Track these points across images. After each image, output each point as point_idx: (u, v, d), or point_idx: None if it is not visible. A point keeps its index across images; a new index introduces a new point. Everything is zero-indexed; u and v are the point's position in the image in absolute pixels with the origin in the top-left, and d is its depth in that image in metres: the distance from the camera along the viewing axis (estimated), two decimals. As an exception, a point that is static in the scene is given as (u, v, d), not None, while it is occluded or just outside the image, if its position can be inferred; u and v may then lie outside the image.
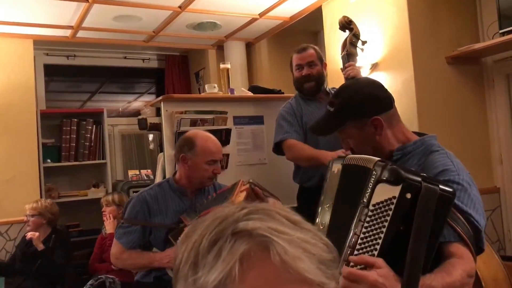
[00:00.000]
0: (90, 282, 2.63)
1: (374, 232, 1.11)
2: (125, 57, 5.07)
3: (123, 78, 5.74)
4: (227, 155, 3.03)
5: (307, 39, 4.19)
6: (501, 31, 2.70)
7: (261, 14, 3.76)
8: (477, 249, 1.28)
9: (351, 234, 1.15)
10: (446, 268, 1.15)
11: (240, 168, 3.09)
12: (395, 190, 1.10)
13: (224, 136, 3.00)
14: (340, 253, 1.13)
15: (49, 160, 4.05)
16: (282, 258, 0.50)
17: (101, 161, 4.29)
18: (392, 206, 1.10)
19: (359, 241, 1.13)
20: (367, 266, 1.05)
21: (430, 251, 1.10)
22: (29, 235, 3.20)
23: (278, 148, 2.69)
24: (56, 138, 4.20)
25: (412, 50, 2.84)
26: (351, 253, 1.12)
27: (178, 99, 3.10)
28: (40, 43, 4.17)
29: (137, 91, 6.28)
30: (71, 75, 5.32)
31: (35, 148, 3.83)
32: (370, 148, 1.42)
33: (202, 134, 2.27)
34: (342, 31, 2.73)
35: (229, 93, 3.22)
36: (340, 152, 2.32)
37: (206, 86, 3.27)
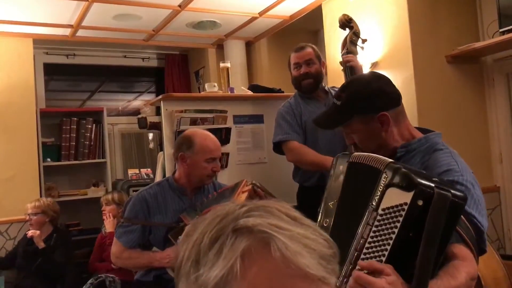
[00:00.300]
0: (90, 281, 2.63)
1: (383, 237, 1.08)
2: (125, 56, 5.07)
3: (123, 77, 5.74)
4: (227, 154, 3.03)
5: (307, 38, 4.19)
6: (501, 30, 2.69)
7: (261, 13, 3.76)
8: (479, 250, 1.27)
9: (358, 236, 1.12)
10: (451, 271, 1.13)
11: (240, 167, 3.09)
12: (406, 196, 1.06)
13: (224, 135, 3.00)
14: (344, 254, 1.11)
15: (49, 159, 4.05)
16: (283, 254, 0.51)
17: (101, 160, 4.29)
18: (403, 213, 1.06)
19: (367, 245, 1.10)
20: (375, 272, 1.03)
21: (438, 257, 1.09)
22: (30, 233, 3.20)
23: (278, 148, 2.70)
24: (56, 137, 4.20)
25: (412, 48, 2.84)
26: (358, 257, 1.10)
27: (178, 98, 3.10)
28: (39, 42, 4.17)
29: (137, 90, 6.28)
30: (71, 74, 5.32)
31: (34, 147, 3.83)
32: (375, 145, 1.40)
33: (200, 133, 2.28)
34: (342, 29, 2.73)
35: (229, 92, 3.22)
36: None
37: (206, 85, 3.27)
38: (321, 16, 3.58)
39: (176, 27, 3.94)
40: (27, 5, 3.29)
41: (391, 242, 1.07)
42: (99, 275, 2.70)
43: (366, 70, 3.04)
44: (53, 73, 5.03)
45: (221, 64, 3.33)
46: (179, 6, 3.48)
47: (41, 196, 3.68)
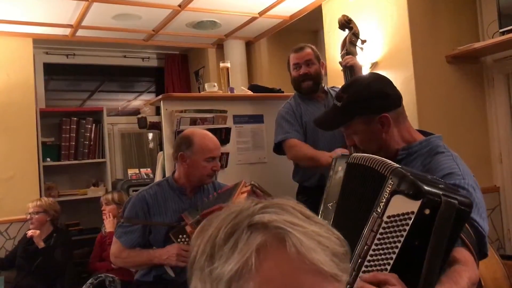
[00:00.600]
0: (90, 280, 2.63)
1: (388, 245, 1.07)
2: (124, 56, 5.07)
3: (122, 77, 5.74)
4: (227, 154, 3.03)
5: (306, 38, 4.19)
6: (501, 30, 2.69)
7: (261, 13, 3.76)
8: (481, 254, 1.27)
9: (361, 243, 1.10)
10: (453, 277, 1.12)
11: (240, 167, 3.09)
12: (413, 205, 1.04)
13: (224, 135, 3.00)
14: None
15: (48, 159, 4.05)
16: (298, 249, 0.52)
17: (101, 160, 4.29)
18: (410, 221, 1.04)
19: (371, 252, 1.08)
20: (380, 283, 1.01)
21: (442, 264, 1.08)
22: (30, 233, 3.20)
23: (279, 148, 2.70)
24: (56, 137, 4.19)
25: (412, 49, 2.84)
26: (362, 263, 1.09)
27: (178, 98, 3.10)
28: (39, 42, 4.17)
29: (137, 90, 6.28)
30: (70, 74, 5.32)
31: (34, 146, 3.83)
32: (376, 146, 1.40)
33: (199, 132, 2.28)
34: (342, 30, 2.73)
35: (229, 92, 3.22)
36: (339, 151, 2.33)
37: (206, 85, 3.27)
38: (321, 16, 3.58)
39: (176, 27, 3.94)
40: (27, 5, 3.29)
41: (396, 250, 1.05)
42: (99, 275, 2.70)
43: (366, 70, 3.05)
44: (53, 72, 5.03)
45: (221, 64, 3.34)
46: (179, 6, 3.48)
47: (41, 196, 3.68)
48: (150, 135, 5.31)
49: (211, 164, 2.21)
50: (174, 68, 5.15)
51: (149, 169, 4.56)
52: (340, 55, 2.66)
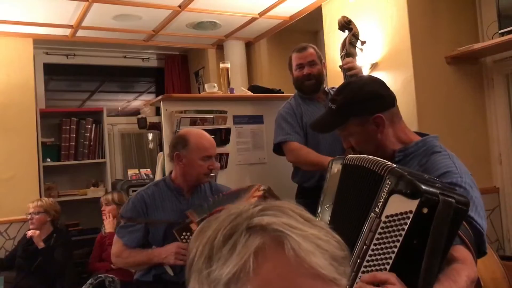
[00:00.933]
0: (89, 281, 2.63)
1: (387, 245, 1.07)
2: (124, 56, 5.07)
3: (122, 77, 5.74)
4: (227, 155, 3.03)
5: (306, 38, 4.19)
6: (500, 31, 2.70)
7: (261, 14, 3.76)
8: (480, 252, 1.27)
9: (360, 243, 1.11)
10: (452, 275, 1.13)
11: (240, 168, 3.10)
12: (411, 204, 1.05)
13: (223, 136, 3.00)
14: None
15: (48, 159, 4.05)
16: (296, 253, 0.51)
17: (101, 160, 4.29)
18: (408, 221, 1.04)
19: (370, 252, 1.09)
20: (380, 283, 1.02)
21: (441, 262, 1.09)
22: (30, 233, 3.20)
23: (278, 149, 2.70)
24: (56, 137, 4.20)
25: (412, 50, 2.84)
26: (361, 264, 1.09)
27: (178, 99, 3.10)
28: (39, 42, 4.17)
29: (137, 90, 6.28)
30: (70, 74, 5.32)
31: (34, 147, 3.83)
32: (372, 147, 1.41)
33: (194, 131, 2.29)
34: (342, 31, 2.73)
35: (228, 92, 3.22)
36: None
37: (206, 86, 3.27)
38: (321, 17, 3.59)
39: (176, 27, 3.95)
40: (27, 5, 3.30)
41: (395, 250, 1.05)
42: (99, 275, 2.70)
43: (366, 71, 3.05)
44: (53, 73, 5.03)
45: (221, 65, 3.34)
46: (179, 6, 3.48)
47: (40, 196, 3.68)
48: (150, 136, 5.31)
49: (207, 163, 2.21)
50: (174, 69, 5.15)
51: (149, 170, 4.56)
52: (340, 56, 2.66)
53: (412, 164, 1.37)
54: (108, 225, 3.38)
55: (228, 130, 3.03)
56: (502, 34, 2.68)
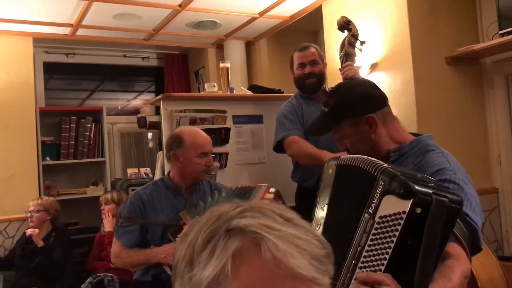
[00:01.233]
0: (88, 280, 2.64)
1: (381, 246, 1.07)
2: (124, 56, 5.07)
3: (122, 76, 5.75)
4: (226, 154, 3.04)
5: (306, 38, 4.19)
6: (500, 32, 2.70)
7: (261, 13, 3.76)
8: (475, 248, 1.28)
9: (354, 244, 1.11)
10: (446, 272, 1.13)
11: (239, 167, 3.10)
12: (404, 205, 1.04)
13: (223, 135, 3.01)
14: (335, 258, 1.09)
15: (48, 158, 4.05)
16: (273, 254, 0.51)
17: (100, 159, 4.29)
18: (401, 221, 1.04)
19: (364, 253, 1.09)
20: (375, 283, 1.02)
21: (436, 261, 1.09)
22: (29, 231, 3.20)
23: (280, 147, 2.69)
24: (55, 136, 4.19)
25: (412, 50, 2.84)
26: (356, 265, 1.09)
27: (178, 98, 3.11)
28: (39, 41, 4.17)
29: (137, 89, 6.28)
30: (70, 73, 5.32)
31: (34, 145, 3.83)
32: (366, 148, 1.42)
33: (189, 130, 2.30)
34: (341, 32, 2.73)
35: (228, 92, 3.23)
36: (342, 155, 2.33)
37: (205, 85, 3.28)
38: (321, 17, 3.59)
39: (176, 26, 3.95)
40: (27, 4, 3.29)
41: (389, 251, 1.06)
42: (98, 274, 2.70)
43: (365, 71, 3.05)
44: (52, 72, 5.03)
45: (221, 64, 3.34)
46: (179, 6, 3.48)
47: (40, 195, 3.68)
48: (150, 135, 5.31)
49: (204, 160, 2.21)
50: (174, 68, 5.15)
51: (148, 169, 4.56)
52: (339, 56, 2.66)
53: (407, 164, 1.39)
54: (108, 224, 3.37)
55: (227, 130, 3.03)
56: (502, 35, 2.68)
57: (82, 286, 2.60)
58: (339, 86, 1.61)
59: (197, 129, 2.32)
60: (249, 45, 4.61)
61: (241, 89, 3.49)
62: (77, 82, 5.84)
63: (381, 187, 1.09)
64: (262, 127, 3.21)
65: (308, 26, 4.28)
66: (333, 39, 3.37)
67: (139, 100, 6.39)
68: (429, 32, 2.92)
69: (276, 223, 0.54)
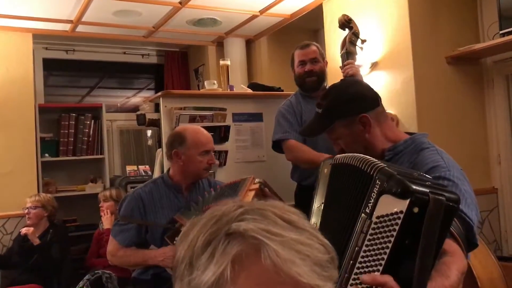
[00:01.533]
0: (86, 277, 2.63)
1: (379, 246, 1.06)
2: (124, 53, 5.06)
3: (122, 73, 5.73)
4: (226, 152, 3.03)
5: (307, 37, 4.19)
6: (501, 32, 2.69)
7: (262, 11, 3.75)
8: (470, 244, 1.28)
9: (352, 245, 1.10)
10: (443, 270, 1.13)
11: (239, 165, 3.09)
12: (402, 204, 1.04)
13: (223, 133, 3.00)
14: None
15: (47, 155, 4.04)
16: (274, 261, 0.50)
17: (99, 156, 4.29)
18: (399, 221, 1.04)
19: (362, 253, 1.08)
20: (378, 285, 1.01)
21: (434, 260, 1.08)
22: (24, 230, 3.19)
23: (277, 146, 2.70)
24: (54, 133, 4.19)
25: (412, 49, 2.84)
26: (354, 266, 1.08)
27: (177, 95, 3.10)
28: (39, 37, 4.16)
29: (136, 86, 6.27)
30: (70, 70, 5.31)
31: (33, 142, 3.82)
32: (361, 147, 1.43)
33: (190, 128, 2.30)
34: (342, 30, 2.73)
35: (228, 90, 3.22)
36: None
37: (205, 83, 3.27)
38: (321, 15, 3.58)
39: (176, 24, 3.94)
40: (27, 0, 3.28)
41: (387, 251, 1.05)
42: (96, 271, 2.70)
43: (366, 70, 3.05)
44: (52, 68, 5.02)
45: (221, 62, 3.33)
46: (180, 3, 3.47)
47: (38, 191, 3.67)
48: (149, 132, 5.31)
49: (206, 158, 2.21)
50: (174, 65, 5.14)
51: (147, 166, 4.56)
52: (339, 54, 2.66)
53: (402, 162, 1.39)
54: (106, 221, 3.38)
55: (227, 128, 3.03)
56: (503, 35, 2.67)
57: (80, 283, 2.59)
58: (331, 87, 1.62)
59: (199, 127, 2.31)
60: (249, 43, 4.60)
61: (241, 87, 3.49)
62: (77, 78, 5.82)
63: (377, 186, 1.08)
64: (262, 125, 3.20)
65: (309, 24, 4.27)
66: (334, 37, 3.36)
67: (139, 97, 6.37)
68: (429, 31, 2.91)
69: (277, 227, 0.52)
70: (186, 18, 3.82)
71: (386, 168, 1.10)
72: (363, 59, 2.94)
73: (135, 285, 2.28)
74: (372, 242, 1.07)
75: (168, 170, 2.32)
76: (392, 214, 1.05)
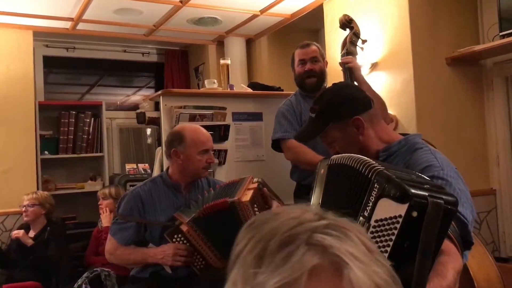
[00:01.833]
0: (85, 274, 2.64)
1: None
2: (124, 51, 5.06)
3: (122, 72, 5.73)
4: (225, 151, 3.04)
5: (307, 36, 4.18)
6: (501, 34, 2.70)
7: (262, 11, 3.76)
8: (466, 243, 1.28)
9: None
10: (439, 270, 1.13)
11: (238, 164, 3.10)
12: (400, 208, 1.03)
13: (222, 132, 3.01)
14: None
15: (46, 152, 4.04)
16: (354, 286, 0.49)
17: (99, 154, 4.29)
18: (398, 225, 1.03)
19: None
20: None
21: (432, 262, 1.09)
22: (15, 234, 3.19)
23: (276, 145, 2.70)
24: (54, 130, 4.19)
25: (412, 50, 2.84)
26: None
27: (178, 94, 3.10)
28: (40, 35, 4.16)
29: (136, 85, 6.27)
30: (70, 67, 5.31)
31: (32, 139, 3.82)
32: (356, 150, 1.43)
33: (189, 127, 2.30)
34: (343, 30, 2.73)
35: (228, 89, 3.22)
36: None
37: (205, 82, 3.27)
38: (322, 15, 3.58)
39: (177, 22, 3.94)
40: (28, -3, 3.29)
41: (386, 255, 1.04)
42: (95, 269, 2.70)
43: (366, 70, 3.05)
44: (52, 66, 5.02)
45: (221, 61, 3.34)
46: (180, 1, 3.47)
47: (37, 189, 3.68)
48: (149, 131, 5.31)
49: (205, 157, 2.21)
50: (174, 64, 5.14)
51: (147, 165, 4.56)
52: (340, 54, 2.67)
53: (396, 163, 1.40)
54: (105, 219, 3.37)
55: (227, 127, 3.03)
56: (503, 37, 2.68)
57: (78, 280, 2.60)
58: (324, 91, 1.64)
59: (198, 126, 2.31)
60: (249, 43, 4.61)
61: (241, 86, 3.49)
62: (77, 76, 5.82)
63: (376, 190, 1.07)
64: (262, 125, 3.21)
65: (309, 24, 4.28)
66: (334, 38, 3.37)
67: (139, 96, 6.37)
68: (429, 32, 2.92)
69: (360, 252, 0.52)
70: (187, 17, 3.83)
71: (385, 171, 1.10)
72: (363, 59, 2.94)
73: (134, 283, 2.27)
74: None
75: (167, 169, 2.32)
76: (391, 218, 1.05)
